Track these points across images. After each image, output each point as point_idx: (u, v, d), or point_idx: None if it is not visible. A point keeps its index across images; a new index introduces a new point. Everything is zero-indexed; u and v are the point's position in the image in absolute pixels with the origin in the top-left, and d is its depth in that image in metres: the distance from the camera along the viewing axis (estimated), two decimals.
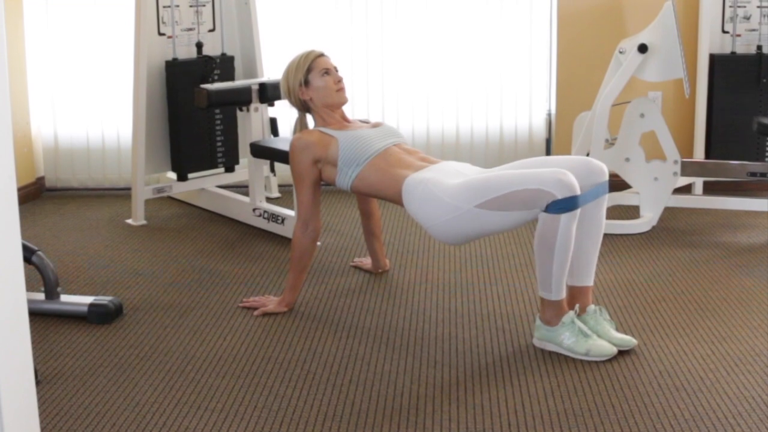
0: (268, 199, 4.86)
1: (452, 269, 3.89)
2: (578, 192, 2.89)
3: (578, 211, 2.92)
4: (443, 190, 3.05)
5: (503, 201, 2.94)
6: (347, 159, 3.32)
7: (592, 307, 3.08)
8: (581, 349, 2.95)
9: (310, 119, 3.62)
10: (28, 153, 5.23)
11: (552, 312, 3.00)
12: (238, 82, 4.69)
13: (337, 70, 3.55)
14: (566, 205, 2.87)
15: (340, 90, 3.51)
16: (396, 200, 3.23)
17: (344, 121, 3.54)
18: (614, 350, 2.97)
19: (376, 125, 3.59)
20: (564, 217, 2.88)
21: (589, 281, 3.11)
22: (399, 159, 3.30)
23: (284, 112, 4.82)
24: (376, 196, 3.37)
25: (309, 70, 3.50)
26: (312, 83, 3.50)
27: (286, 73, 3.55)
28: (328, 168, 3.38)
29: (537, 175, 2.92)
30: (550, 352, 3.01)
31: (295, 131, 3.61)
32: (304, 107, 3.56)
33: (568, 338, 2.97)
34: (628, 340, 3.04)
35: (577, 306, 3.07)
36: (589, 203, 3.03)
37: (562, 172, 2.89)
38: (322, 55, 3.54)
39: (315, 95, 3.50)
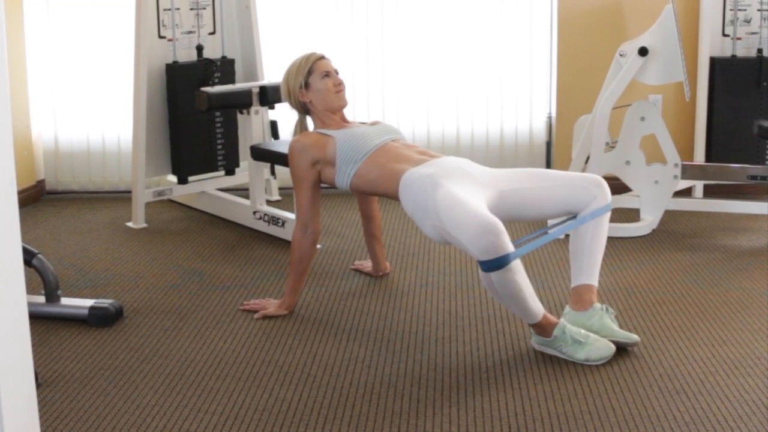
0: (269, 202, 4.86)
1: (453, 272, 3.89)
2: (503, 252, 2.76)
3: (515, 262, 2.80)
4: (435, 194, 2.99)
5: (452, 238, 2.92)
6: (345, 156, 3.32)
7: (597, 305, 3.08)
8: (580, 356, 2.94)
9: (310, 122, 3.63)
10: (28, 156, 5.24)
11: (540, 329, 3.00)
12: (239, 85, 4.70)
13: (337, 73, 3.55)
14: (493, 264, 2.77)
15: (340, 92, 3.52)
16: (395, 195, 3.21)
17: (343, 123, 3.55)
18: (612, 349, 2.97)
19: (373, 123, 3.60)
20: (494, 275, 2.79)
21: (593, 281, 3.11)
22: (397, 153, 3.28)
23: (285, 115, 4.82)
24: (376, 192, 3.36)
25: (309, 73, 3.51)
26: (312, 86, 3.50)
27: (286, 76, 3.56)
28: (327, 168, 3.38)
29: (469, 228, 2.80)
30: (550, 356, 3.01)
31: (294, 134, 3.62)
32: (304, 110, 3.57)
33: (564, 348, 2.97)
34: (631, 336, 3.05)
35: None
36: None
37: (487, 231, 2.77)
38: (322, 57, 3.55)
39: (315, 98, 3.50)
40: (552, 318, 2.99)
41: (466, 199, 2.93)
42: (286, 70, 3.56)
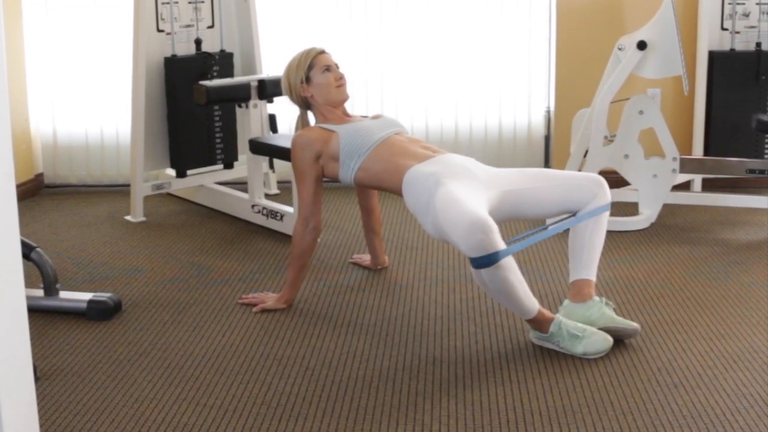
0: (267, 196, 4.85)
1: (451, 266, 3.90)
2: (492, 249, 2.74)
3: (506, 259, 2.79)
4: (436, 192, 2.98)
5: (447, 236, 2.91)
6: (349, 151, 3.32)
7: (596, 298, 3.09)
8: (577, 350, 2.95)
9: (311, 117, 3.63)
10: (26, 150, 5.23)
11: (537, 324, 3.01)
12: (237, 79, 4.70)
13: (338, 67, 3.55)
14: (483, 261, 2.77)
15: (341, 86, 3.52)
16: (398, 190, 3.21)
17: (345, 117, 3.54)
18: (610, 342, 2.97)
19: (376, 117, 3.60)
20: (485, 272, 2.79)
21: (591, 275, 3.12)
22: (402, 148, 3.28)
23: (283, 109, 4.83)
24: (380, 187, 3.36)
25: (310, 67, 3.51)
26: (313, 80, 3.50)
27: (287, 71, 3.55)
28: (331, 163, 3.38)
29: (460, 226, 2.79)
30: (548, 349, 3.02)
31: (296, 129, 3.61)
32: (305, 104, 3.57)
33: (561, 342, 2.97)
34: (630, 323, 3.07)
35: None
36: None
37: (477, 229, 2.75)
38: (323, 52, 3.55)
39: (316, 92, 3.50)
40: (548, 314, 2.99)
41: (464, 198, 2.92)
42: (287, 66, 3.56)
